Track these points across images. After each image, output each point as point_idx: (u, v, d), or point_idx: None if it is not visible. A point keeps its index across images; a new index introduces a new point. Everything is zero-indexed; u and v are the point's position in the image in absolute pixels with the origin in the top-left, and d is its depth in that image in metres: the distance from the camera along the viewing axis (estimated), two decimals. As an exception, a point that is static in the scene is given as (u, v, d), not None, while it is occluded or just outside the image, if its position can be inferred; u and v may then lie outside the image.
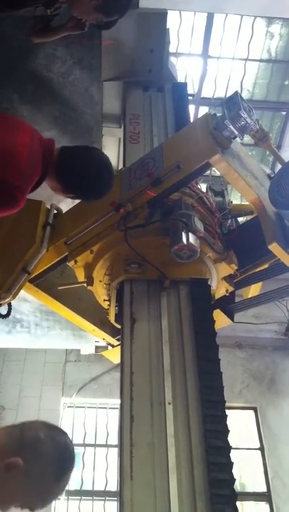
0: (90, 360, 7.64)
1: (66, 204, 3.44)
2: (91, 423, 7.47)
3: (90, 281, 3.15)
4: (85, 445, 7.28)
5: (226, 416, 2.49)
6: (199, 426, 2.45)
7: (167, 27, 4.03)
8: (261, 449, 7.25)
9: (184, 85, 4.43)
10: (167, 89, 4.28)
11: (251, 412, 7.62)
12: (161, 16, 3.90)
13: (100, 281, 3.18)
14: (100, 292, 3.27)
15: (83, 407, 7.58)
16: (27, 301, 5.26)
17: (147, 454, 2.38)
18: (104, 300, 3.30)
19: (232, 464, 2.34)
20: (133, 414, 2.49)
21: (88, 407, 7.59)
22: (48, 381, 7.56)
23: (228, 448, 2.38)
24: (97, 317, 3.63)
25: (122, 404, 2.57)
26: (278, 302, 7.46)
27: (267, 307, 7.56)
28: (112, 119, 5.17)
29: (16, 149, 2.42)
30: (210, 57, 6.55)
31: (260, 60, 6.75)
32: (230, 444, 2.40)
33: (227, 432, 2.43)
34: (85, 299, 3.56)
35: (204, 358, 2.70)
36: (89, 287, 3.20)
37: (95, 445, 7.27)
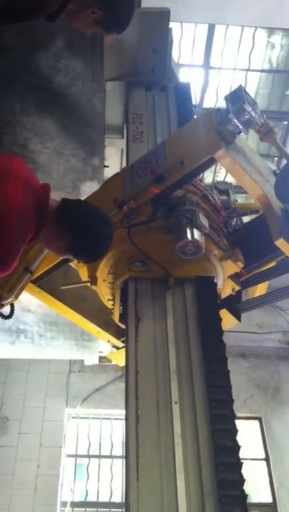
0: (94, 371, 7.65)
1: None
2: (95, 434, 7.42)
3: (93, 280, 3.06)
4: (89, 456, 7.24)
5: (234, 415, 2.39)
6: (207, 425, 2.35)
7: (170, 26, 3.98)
8: (266, 459, 7.21)
9: (187, 85, 4.36)
10: (170, 89, 4.18)
11: (256, 422, 7.57)
12: (163, 14, 3.81)
13: (104, 280, 3.09)
14: (104, 292, 3.17)
15: (87, 417, 7.54)
16: (31, 311, 5.20)
17: (154, 454, 2.28)
18: (109, 300, 3.19)
19: (241, 464, 2.23)
20: (139, 414, 2.39)
21: (92, 418, 7.54)
22: (51, 392, 7.52)
23: (236, 448, 2.27)
24: (101, 319, 3.53)
25: (127, 404, 2.47)
26: (282, 311, 7.48)
27: (270, 316, 7.61)
28: (114, 130, 5.13)
29: (4, 210, 2.20)
30: (211, 68, 6.58)
31: (262, 71, 6.78)
32: (239, 444, 2.29)
33: (235, 431, 2.32)
34: (89, 300, 3.48)
35: (211, 357, 2.59)
36: (92, 287, 3.11)
37: (99, 456, 7.22)
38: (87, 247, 2.51)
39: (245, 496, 2.15)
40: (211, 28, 6.24)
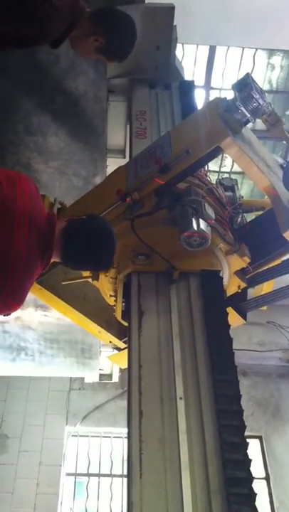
0: (94, 388, 7.50)
1: (73, 198, 3.29)
2: (95, 452, 7.23)
3: (95, 275, 2.88)
4: (89, 475, 7.05)
5: (242, 411, 2.20)
6: (213, 421, 2.17)
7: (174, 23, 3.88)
8: (267, 478, 7.03)
9: (192, 83, 4.25)
10: (174, 87, 4.08)
11: (256, 441, 7.41)
12: (168, 11, 3.70)
13: (106, 275, 2.90)
14: (106, 287, 2.99)
15: (87, 435, 7.36)
16: (31, 329, 5.07)
17: (157, 450, 2.09)
18: (110, 296, 3.01)
19: (250, 460, 2.06)
20: (142, 409, 2.21)
21: (92, 436, 7.36)
22: (51, 409, 7.37)
23: (245, 444, 2.10)
24: (103, 318, 3.33)
25: (129, 399, 2.29)
26: (282, 329, 7.31)
27: (271, 334, 7.45)
28: (116, 150, 5.08)
29: (12, 258, 2.18)
30: (212, 89, 6.60)
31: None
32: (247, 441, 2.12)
33: (243, 427, 2.15)
34: (90, 299, 3.30)
35: (217, 351, 2.40)
36: (94, 282, 2.93)
37: (99, 475, 7.03)
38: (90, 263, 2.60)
39: (254, 494, 1.97)
40: (212, 50, 6.22)
